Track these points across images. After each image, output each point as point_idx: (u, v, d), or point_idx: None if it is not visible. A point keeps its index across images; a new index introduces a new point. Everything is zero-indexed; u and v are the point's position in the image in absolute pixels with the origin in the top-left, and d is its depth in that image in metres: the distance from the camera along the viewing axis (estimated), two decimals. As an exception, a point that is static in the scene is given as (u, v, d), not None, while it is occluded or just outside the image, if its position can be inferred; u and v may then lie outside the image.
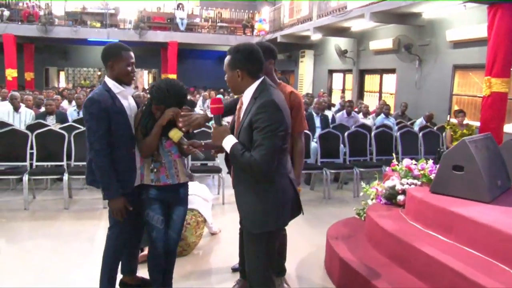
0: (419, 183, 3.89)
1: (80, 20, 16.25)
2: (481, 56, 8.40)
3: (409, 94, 10.61)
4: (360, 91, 13.47)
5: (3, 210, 5.18)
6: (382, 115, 8.76)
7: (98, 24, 16.08)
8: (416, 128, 8.05)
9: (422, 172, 3.92)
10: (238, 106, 2.57)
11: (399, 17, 9.80)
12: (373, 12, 9.56)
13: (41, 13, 16.19)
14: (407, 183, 3.92)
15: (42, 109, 7.64)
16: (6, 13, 15.65)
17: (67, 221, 4.88)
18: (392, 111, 9.60)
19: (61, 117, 6.95)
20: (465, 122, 7.49)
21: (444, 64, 9.51)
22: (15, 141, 5.40)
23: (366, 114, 8.75)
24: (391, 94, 12.01)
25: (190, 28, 17.64)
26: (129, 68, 2.78)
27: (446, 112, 9.51)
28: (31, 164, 5.43)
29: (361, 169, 6.43)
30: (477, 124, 7.87)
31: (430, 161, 3.98)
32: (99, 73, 23.09)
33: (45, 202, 5.56)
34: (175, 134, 2.76)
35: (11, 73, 15.46)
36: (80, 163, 5.53)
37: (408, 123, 8.77)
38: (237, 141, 2.27)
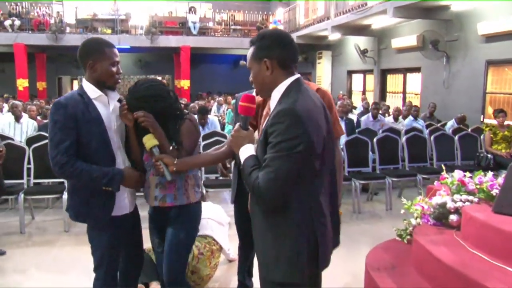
0: (475, 200, 3.25)
1: (91, 27, 15.90)
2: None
3: (436, 94, 9.91)
4: (382, 92, 12.78)
5: (-2, 234, 4.68)
6: (410, 117, 8.09)
7: (109, 31, 15.69)
8: (447, 131, 7.36)
9: (479, 186, 3.28)
10: (264, 112, 2.02)
11: (424, 12, 9.14)
12: (397, 7, 8.92)
13: (52, 21, 15.88)
14: (461, 200, 3.28)
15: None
16: (17, 22, 15.39)
17: (66, 247, 4.33)
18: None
19: (65, 129, 6.45)
20: (506, 122, 6.79)
21: (476, 60, 8.79)
22: (12, 156, 4.86)
23: (397, 117, 8.00)
24: (416, 94, 11.31)
25: (203, 32, 17.14)
26: (114, 69, 2.28)
27: (479, 112, 8.80)
28: (29, 181, 4.91)
29: (394, 179, 5.77)
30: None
31: (490, 173, 3.33)
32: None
33: (44, 224, 5.04)
34: (147, 141, 2.25)
35: (22, 83, 15.19)
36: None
37: (438, 125, 8.08)
38: (253, 154, 1.79)
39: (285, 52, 1.79)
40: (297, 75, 1.82)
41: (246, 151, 1.80)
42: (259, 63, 1.80)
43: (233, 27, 18.24)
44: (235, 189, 2.96)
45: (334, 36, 12.96)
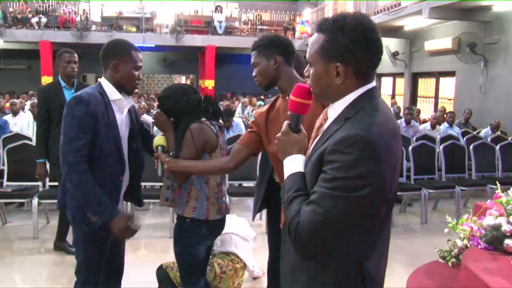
0: (535, 222, 2.86)
1: (116, 25, 15.83)
2: None
3: (472, 100, 9.40)
4: (413, 96, 12.30)
5: (11, 238, 4.48)
6: (445, 124, 7.64)
7: (134, 29, 15.60)
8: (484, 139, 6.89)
9: (540, 208, 2.88)
10: (317, 124, 1.51)
11: (462, 13, 8.67)
12: (433, 7, 8.47)
13: (78, 19, 15.89)
14: (518, 223, 2.89)
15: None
16: (44, 19, 15.44)
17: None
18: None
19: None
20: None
21: (517, 64, 8.29)
22: (27, 157, 4.64)
23: (435, 125, 7.53)
24: (449, 99, 10.81)
25: (229, 31, 16.90)
26: (136, 73, 2.21)
27: (519, 120, 8.29)
28: (44, 184, 4.69)
29: (430, 191, 5.36)
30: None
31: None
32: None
33: (60, 228, 4.80)
34: (156, 140, 2.31)
35: (46, 80, 15.17)
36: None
37: (474, 133, 7.62)
38: (301, 171, 1.37)
39: (367, 55, 1.29)
40: (372, 84, 1.34)
41: (293, 164, 1.39)
42: (327, 64, 1.30)
43: (259, 27, 17.96)
44: (257, 206, 2.54)
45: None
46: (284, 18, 18.31)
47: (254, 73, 2.19)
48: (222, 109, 2.57)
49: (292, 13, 18.78)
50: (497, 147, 6.08)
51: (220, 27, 16.36)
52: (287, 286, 1.49)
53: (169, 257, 3.56)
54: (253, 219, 2.80)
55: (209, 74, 16.51)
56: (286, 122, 1.45)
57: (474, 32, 9.02)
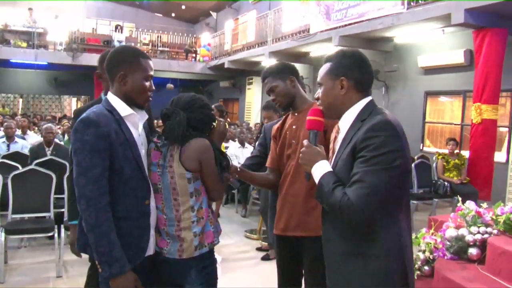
0: (495, 231, 3.10)
1: (2, 38, 14.31)
2: (456, 83, 8.13)
3: (375, 122, 10.13)
4: (317, 120, 12.89)
5: None
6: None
7: (24, 44, 14.26)
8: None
9: (495, 217, 3.13)
10: (332, 137, 1.85)
11: (368, 42, 9.33)
12: (342, 35, 9.02)
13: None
14: (479, 232, 3.11)
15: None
16: None
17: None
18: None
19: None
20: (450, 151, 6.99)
21: (415, 91, 9.13)
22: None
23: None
24: (352, 122, 11.53)
25: (128, 52, 16.28)
26: (147, 84, 1.92)
27: (419, 141, 9.10)
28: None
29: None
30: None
31: (510, 204, 3.20)
32: (20, 100, 20.57)
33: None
34: None
35: None
36: (19, 216, 4.13)
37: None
38: (331, 170, 1.67)
39: (362, 75, 1.73)
40: (371, 97, 1.75)
41: (322, 167, 1.67)
42: (334, 81, 1.73)
43: (160, 48, 17.60)
44: (272, 228, 2.45)
45: (269, 62, 12.87)
46: (185, 40, 18.22)
47: (272, 97, 2.41)
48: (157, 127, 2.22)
49: (194, 36, 18.79)
50: (413, 166, 6.58)
51: (120, 46, 15.72)
52: (337, 274, 1.69)
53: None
54: (270, 242, 2.93)
55: (106, 95, 15.69)
56: (306, 140, 1.79)
57: (376, 60, 9.77)
